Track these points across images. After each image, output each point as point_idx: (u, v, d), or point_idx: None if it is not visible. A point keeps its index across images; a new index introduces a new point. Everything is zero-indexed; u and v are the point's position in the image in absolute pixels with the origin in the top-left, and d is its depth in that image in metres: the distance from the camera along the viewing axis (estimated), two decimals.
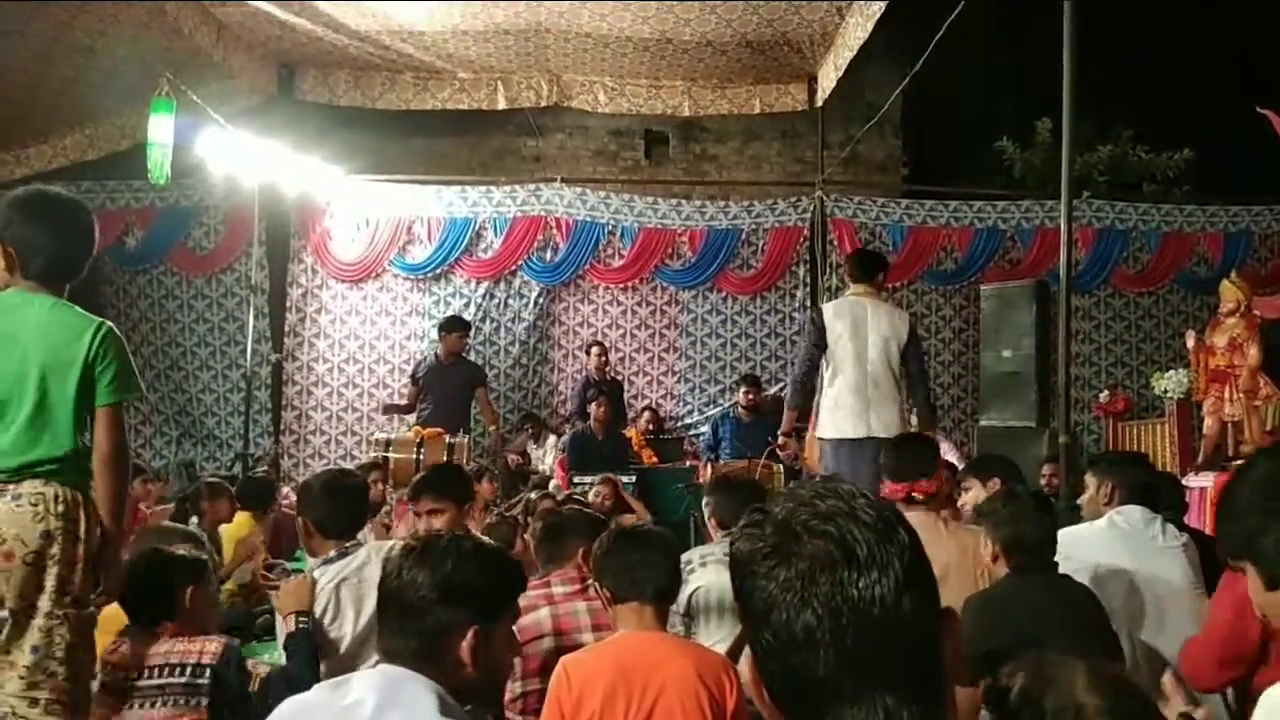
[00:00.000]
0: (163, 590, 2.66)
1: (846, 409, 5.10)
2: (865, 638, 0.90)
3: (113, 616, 2.77)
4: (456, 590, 1.74)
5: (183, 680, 2.47)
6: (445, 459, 6.63)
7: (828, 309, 5.34)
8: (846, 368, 5.12)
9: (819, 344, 5.19)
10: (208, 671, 2.50)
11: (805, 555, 0.93)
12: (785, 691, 0.95)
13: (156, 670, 2.50)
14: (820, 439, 5.24)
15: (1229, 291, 7.00)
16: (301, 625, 2.75)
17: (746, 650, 1.00)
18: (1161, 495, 4.19)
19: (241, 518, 5.46)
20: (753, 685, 0.99)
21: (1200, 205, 9.67)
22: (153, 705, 2.45)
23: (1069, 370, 5.29)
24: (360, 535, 3.19)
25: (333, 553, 3.01)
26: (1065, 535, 3.27)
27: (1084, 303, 9.26)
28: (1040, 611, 2.54)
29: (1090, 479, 3.48)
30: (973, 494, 4.45)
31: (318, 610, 2.86)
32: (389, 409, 8.19)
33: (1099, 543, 3.15)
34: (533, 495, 6.01)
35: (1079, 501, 3.56)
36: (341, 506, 3.10)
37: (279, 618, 2.93)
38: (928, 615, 0.94)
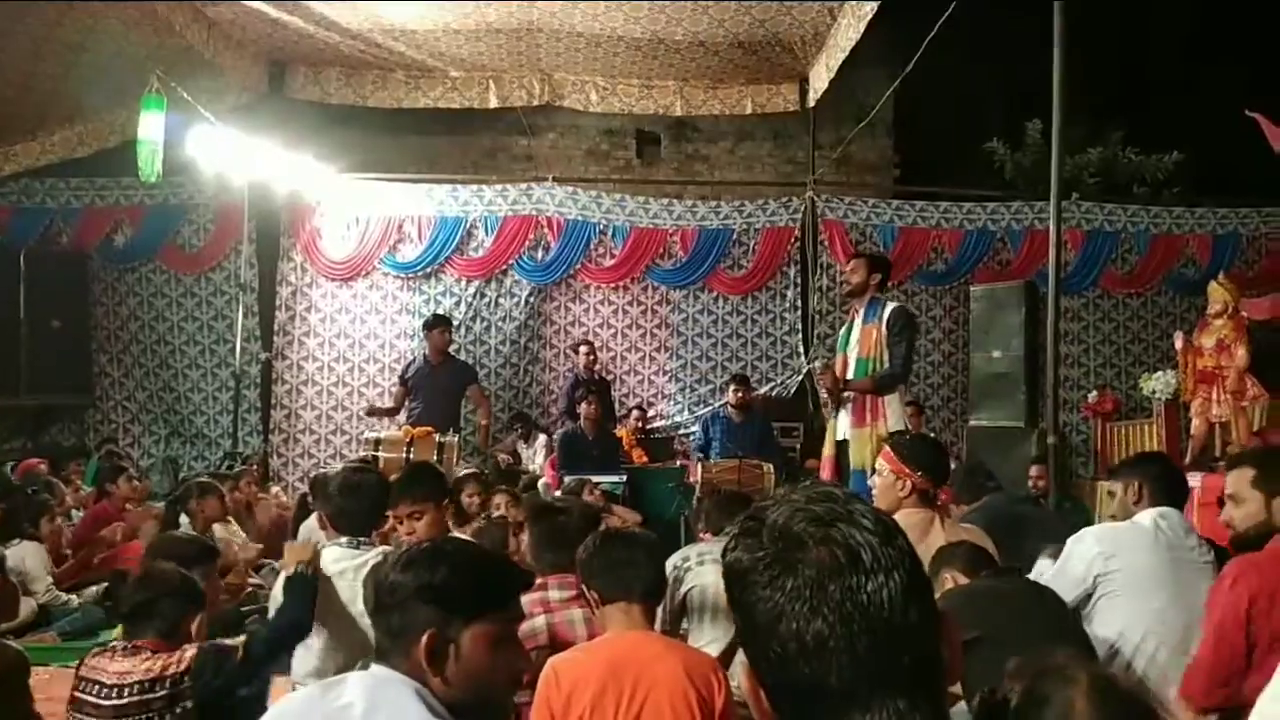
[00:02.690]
0: (173, 610, 2.59)
1: (904, 404, 5.46)
2: (876, 643, 0.90)
3: None
4: (420, 589, 1.71)
5: (165, 693, 2.42)
6: (435, 458, 6.61)
7: (909, 308, 5.72)
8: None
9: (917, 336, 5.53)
10: (184, 679, 2.44)
11: (811, 562, 0.92)
12: (793, 701, 0.94)
13: (137, 686, 2.44)
14: (898, 431, 5.18)
15: (1217, 293, 7.03)
16: (301, 569, 2.71)
17: (740, 657, 0.99)
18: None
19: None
20: (749, 694, 0.98)
21: (1189, 207, 9.72)
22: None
23: (1058, 371, 5.32)
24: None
25: (343, 539, 3.04)
26: (1106, 532, 3.16)
27: (1073, 304, 9.29)
28: (1012, 607, 2.55)
29: (1116, 483, 3.37)
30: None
31: None
32: (373, 411, 8.05)
33: (1144, 545, 3.04)
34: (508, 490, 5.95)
35: (1112, 513, 3.48)
36: (354, 503, 3.11)
37: (279, 579, 2.92)
38: (929, 617, 0.94)
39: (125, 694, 2.42)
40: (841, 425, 5.37)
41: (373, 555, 2.95)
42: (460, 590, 1.72)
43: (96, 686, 2.47)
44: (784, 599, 0.92)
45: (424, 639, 1.66)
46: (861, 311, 5.42)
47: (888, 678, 0.91)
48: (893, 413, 5.16)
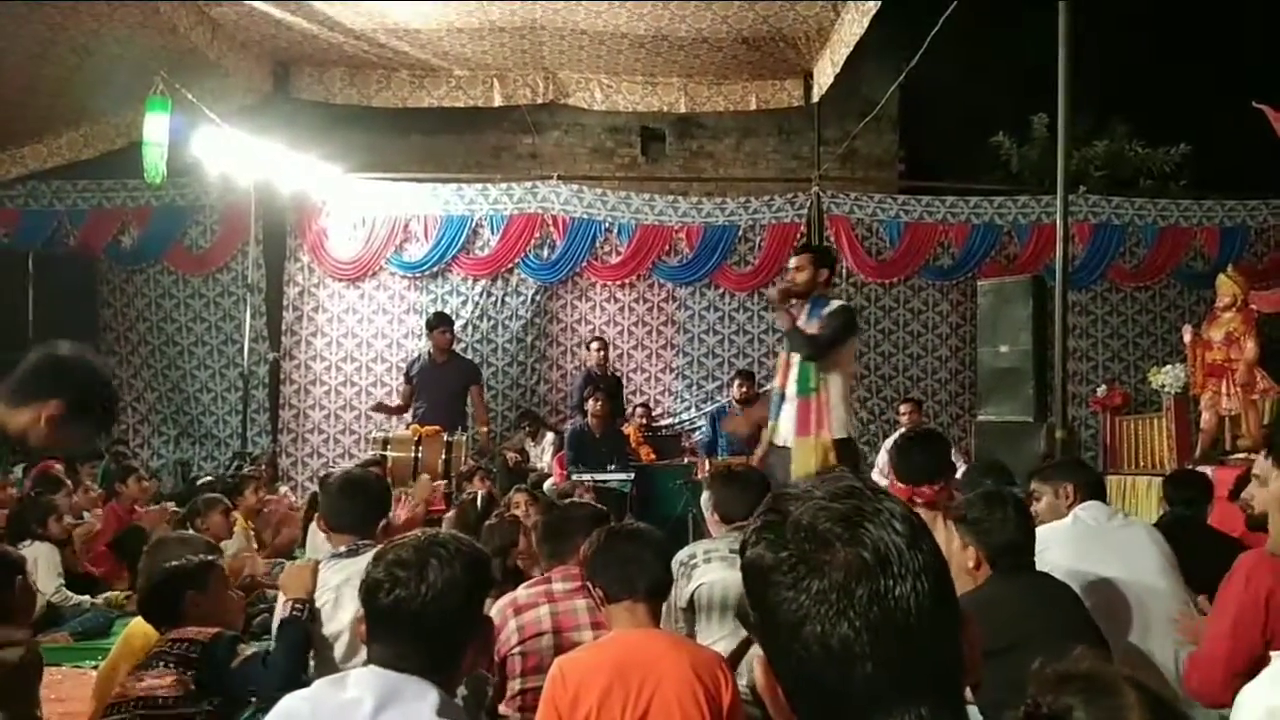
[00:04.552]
0: (170, 600, 2.82)
1: (852, 410, 5.10)
2: (902, 648, 0.88)
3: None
4: (467, 594, 1.75)
5: (177, 652, 2.65)
6: (443, 457, 6.64)
7: (852, 307, 5.27)
8: (854, 367, 5.12)
9: (852, 338, 5.03)
10: (198, 647, 2.65)
11: (839, 564, 0.89)
12: (814, 703, 0.92)
13: (164, 643, 2.70)
14: (850, 440, 4.88)
15: (1226, 286, 7.01)
16: (296, 612, 2.76)
17: (755, 654, 0.97)
18: (1194, 492, 4.29)
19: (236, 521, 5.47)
20: (766, 691, 0.96)
21: (1197, 200, 9.68)
22: (155, 666, 2.64)
23: (1065, 365, 5.32)
24: None
25: (343, 548, 3.03)
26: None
27: (1081, 298, 9.26)
28: (1026, 612, 2.52)
29: (1044, 487, 3.43)
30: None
31: (319, 602, 2.87)
32: (380, 408, 8.11)
33: (1069, 541, 3.11)
34: (516, 488, 5.96)
35: (1034, 511, 3.52)
36: (351, 504, 3.11)
37: (279, 603, 2.94)
38: (953, 621, 0.92)
39: (157, 647, 2.71)
40: (784, 430, 4.90)
41: (374, 552, 2.95)
42: (487, 582, 1.86)
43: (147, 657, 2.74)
44: (809, 601, 0.89)
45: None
46: (806, 310, 4.91)
47: (912, 684, 0.88)
48: (837, 419, 4.77)
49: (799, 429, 4.80)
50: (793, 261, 5.10)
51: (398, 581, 1.73)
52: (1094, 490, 3.35)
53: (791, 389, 4.86)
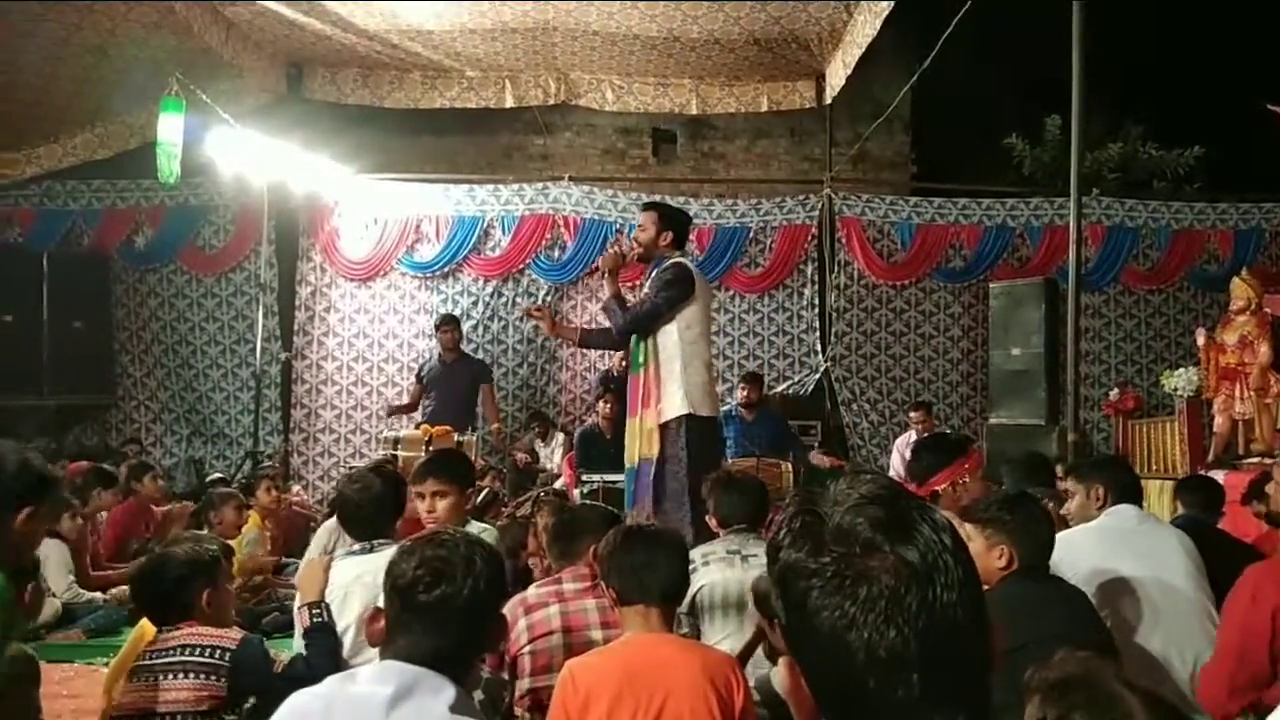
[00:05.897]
0: (175, 591, 2.65)
1: (710, 384, 4.59)
2: (947, 656, 0.88)
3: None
4: (493, 588, 1.78)
5: (203, 659, 2.49)
6: None
7: (690, 265, 4.61)
8: (706, 339, 4.58)
9: (684, 301, 4.39)
10: (228, 655, 2.52)
11: (888, 570, 0.88)
12: (850, 709, 0.91)
13: (179, 649, 2.53)
14: (696, 416, 4.41)
15: (1240, 289, 6.99)
16: (316, 618, 2.78)
17: (772, 654, 0.96)
18: (1208, 497, 4.28)
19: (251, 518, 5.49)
20: (791, 691, 0.97)
21: (1211, 202, 9.62)
22: (175, 677, 2.48)
23: (1078, 368, 5.30)
24: None
25: (356, 546, 3.06)
26: (1059, 541, 3.24)
27: (1094, 300, 9.23)
28: (1041, 613, 2.52)
29: (1075, 485, 3.43)
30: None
31: (328, 597, 2.89)
32: (394, 410, 8.19)
33: (1096, 546, 3.10)
34: (541, 493, 6.00)
35: (1065, 510, 3.51)
36: (366, 505, 3.14)
37: (296, 610, 2.95)
38: (988, 631, 0.92)
39: (169, 655, 2.53)
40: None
41: (390, 551, 2.96)
42: (505, 577, 1.89)
43: (149, 654, 2.57)
44: (855, 608, 0.88)
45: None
46: (649, 275, 4.62)
47: (952, 691, 0.88)
48: (669, 397, 4.30)
49: (629, 409, 4.46)
50: (640, 219, 4.73)
51: (442, 576, 1.73)
52: (1126, 493, 3.32)
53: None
